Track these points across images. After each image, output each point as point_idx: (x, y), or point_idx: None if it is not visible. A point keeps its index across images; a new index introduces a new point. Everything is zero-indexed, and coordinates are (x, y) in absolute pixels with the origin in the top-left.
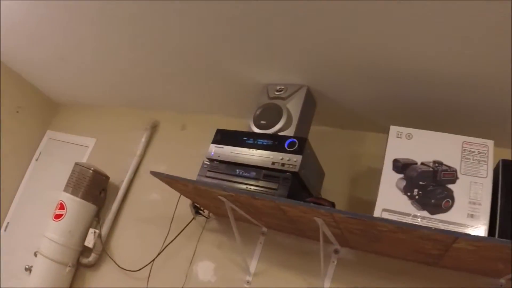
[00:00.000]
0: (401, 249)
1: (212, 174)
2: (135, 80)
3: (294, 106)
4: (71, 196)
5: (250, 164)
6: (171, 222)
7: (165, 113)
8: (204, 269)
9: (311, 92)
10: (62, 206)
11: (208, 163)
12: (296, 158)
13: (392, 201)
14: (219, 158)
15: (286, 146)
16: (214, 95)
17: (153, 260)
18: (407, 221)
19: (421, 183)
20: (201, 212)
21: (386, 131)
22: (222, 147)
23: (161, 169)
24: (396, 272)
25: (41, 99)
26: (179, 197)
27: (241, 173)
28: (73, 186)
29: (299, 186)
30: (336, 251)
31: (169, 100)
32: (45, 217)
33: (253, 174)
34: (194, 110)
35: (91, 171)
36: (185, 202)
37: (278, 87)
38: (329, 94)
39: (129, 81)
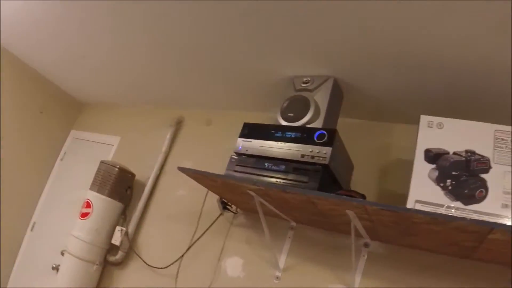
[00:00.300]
0: (434, 242)
1: (240, 169)
2: (157, 77)
3: (321, 98)
4: (97, 194)
5: (279, 157)
6: (199, 219)
7: (190, 110)
8: (233, 265)
9: (338, 83)
10: (88, 205)
11: (236, 157)
12: (326, 150)
13: (425, 192)
14: (247, 152)
15: (315, 138)
16: (240, 90)
17: (181, 256)
18: (441, 213)
19: (454, 173)
20: (228, 207)
21: (416, 122)
22: (250, 141)
23: (187, 165)
24: (428, 266)
25: (65, 99)
26: (207, 192)
27: (270, 166)
28: (99, 184)
29: (329, 178)
30: (366, 245)
31: (194, 97)
32: (71, 216)
33: (283, 167)
34: (219, 106)
35: (116, 169)
36: (212, 198)
37: (305, 79)
38: (357, 85)
39: (151, 79)
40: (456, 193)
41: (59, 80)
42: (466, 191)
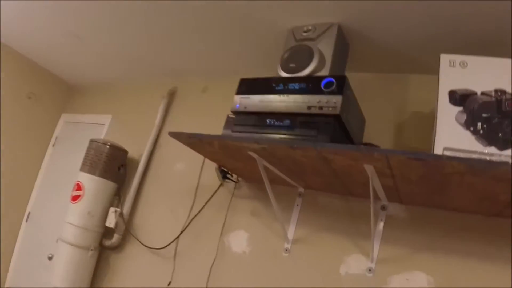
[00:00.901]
0: (464, 199)
1: (239, 128)
2: (148, 47)
3: (325, 46)
4: (88, 175)
5: (283, 112)
6: (195, 192)
7: (184, 79)
8: (237, 240)
9: (343, 31)
10: (79, 187)
11: (234, 116)
12: (336, 99)
13: (453, 138)
14: (246, 110)
15: (322, 87)
16: (236, 50)
17: (178, 236)
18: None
19: (484, 115)
20: (229, 176)
21: (432, 72)
22: (248, 97)
23: None
24: (455, 228)
25: (54, 82)
26: (203, 161)
27: (273, 123)
28: (89, 164)
29: (341, 132)
30: (383, 208)
31: (187, 64)
32: (67, 204)
33: (287, 122)
34: (215, 72)
35: (107, 147)
36: (212, 169)
37: (305, 28)
38: (364, 32)
39: (142, 49)
40: (489, 138)
41: (48, 62)
42: (500, 134)
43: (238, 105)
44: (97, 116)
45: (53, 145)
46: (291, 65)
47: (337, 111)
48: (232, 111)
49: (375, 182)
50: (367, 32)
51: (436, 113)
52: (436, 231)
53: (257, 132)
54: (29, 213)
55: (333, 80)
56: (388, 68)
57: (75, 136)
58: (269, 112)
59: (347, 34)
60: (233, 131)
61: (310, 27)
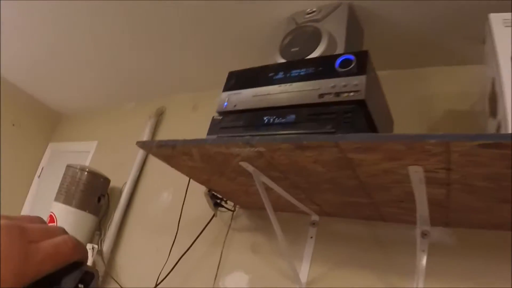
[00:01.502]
0: None
1: (228, 132)
2: (134, 68)
3: (335, 26)
4: (63, 206)
5: (284, 105)
6: (177, 226)
7: (172, 97)
8: (236, 283)
9: (355, 12)
10: (52, 219)
11: (220, 117)
12: (358, 81)
13: None
14: (236, 108)
15: (337, 67)
16: (225, 62)
17: (163, 279)
18: None
19: None
20: (223, 204)
21: (459, 62)
22: (239, 92)
23: None
24: None
25: (40, 110)
26: (188, 182)
27: (272, 120)
28: (64, 193)
29: (367, 125)
30: (425, 234)
31: (175, 81)
32: None
33: (292, 117)
34: (206, 87)
35: (85, 173)
36: (202, 196)
37: (308, 10)
38: (379, 13)
39: (129, 71)
40: None
41: (33, 89)
42: None
43: (226, 103)
44: (83, 143)
45: (39, 177)
46: (294, 49)
47: (362, 96)
48: (218, 112)
49: (420, 195)
50: (384, 13)
51: (499, 83)
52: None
53: (251, 135)
54: None
55: (352, 57)
56: (408, 63)
57: (61, 166)
58: (267, 108)
59: (360, 17)
60: (218, 137)
61: (314, 9)
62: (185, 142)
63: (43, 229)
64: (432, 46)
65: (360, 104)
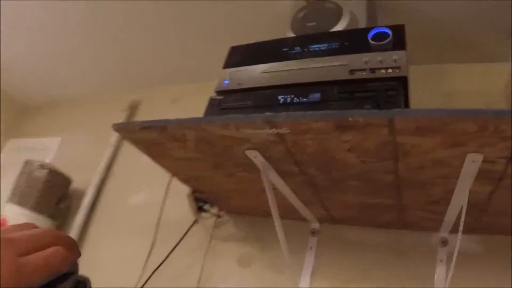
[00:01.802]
0: None
1: (230, 113)
2: (107, 55)
3: (355, 5)
4: (18, 208)
5: (304, 83)
6: (158, 232)
7: (149, 90)
8: None
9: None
10: (3, 223)
11: (220, 97)
12: (397, 55)
13: None
14: (240, 87)
15: (370, 39)
16: (214, 51)
17: None
18: None
19: None
20: (206, 208)
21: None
22: (244, 69)
23: (146, 160)
24: None
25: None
26: (170, 181)
27: (289, 99)
28: (19, 194)
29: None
30: (445, 242)
31: (151, 72)
32: None
33: (317, 95)
34: (187, 79)
35: (45, 171)
36: (183, 199)
37: None
38: (403, 8)
39: (99, 59)
40: None
41: None
42: None
43: (227, 82)
44: (45, 139)
45: None
46: (310, 24)
47: (404, 73)
48: (217, 92)
49: (462, 194)
50: (407, 9)
51: None
52: None
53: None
54: None
55: (388, 31)
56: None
57: (18, 165)
58: (280, 86)
59: (379, 9)
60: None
61: None
62: (181, 122)
63: (32, 239)
64: (453, 42)
65: (402, 81)
